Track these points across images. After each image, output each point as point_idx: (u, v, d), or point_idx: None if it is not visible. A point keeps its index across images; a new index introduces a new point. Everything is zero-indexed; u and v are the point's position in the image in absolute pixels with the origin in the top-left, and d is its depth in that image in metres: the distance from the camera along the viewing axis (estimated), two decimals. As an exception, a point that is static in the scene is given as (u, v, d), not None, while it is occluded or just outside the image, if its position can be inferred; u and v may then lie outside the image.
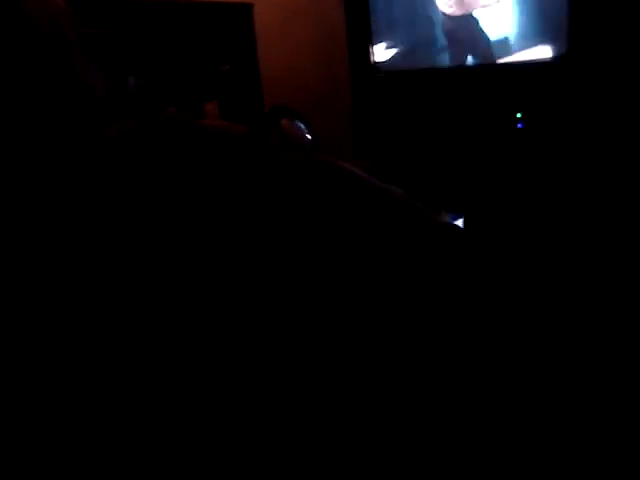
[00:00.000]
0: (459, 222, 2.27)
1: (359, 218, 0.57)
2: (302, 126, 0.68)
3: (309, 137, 0.69)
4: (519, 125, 2.79)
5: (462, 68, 2.84)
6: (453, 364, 0.55)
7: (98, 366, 0.50)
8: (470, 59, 2.84)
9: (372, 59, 2.85)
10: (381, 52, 2.88)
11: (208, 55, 2.54)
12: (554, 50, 2.80)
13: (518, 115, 2.79)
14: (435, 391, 0.54)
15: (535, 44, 2.81)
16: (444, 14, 2.83)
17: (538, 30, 2.80)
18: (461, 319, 0.56)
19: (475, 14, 2.81)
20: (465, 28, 2.83)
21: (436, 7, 2.84)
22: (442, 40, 2.86)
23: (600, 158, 2.61)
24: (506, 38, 2.81)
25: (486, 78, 2.80)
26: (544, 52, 2.81)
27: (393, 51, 2.89)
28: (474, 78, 2.80)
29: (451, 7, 2.82)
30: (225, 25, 2.55)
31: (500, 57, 2.81)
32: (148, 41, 2.37)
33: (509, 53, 2.81)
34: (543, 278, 0.66)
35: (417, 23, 2.86)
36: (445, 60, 2.87)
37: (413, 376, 0.53)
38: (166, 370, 0.50)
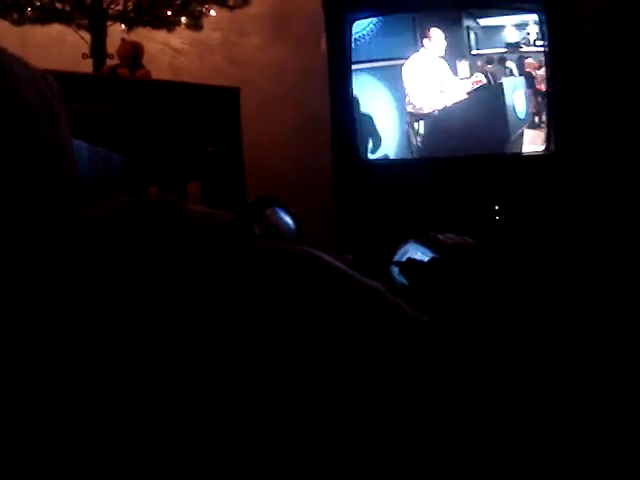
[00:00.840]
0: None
1: (336, 312, 0.57)
2: (286, 216, 0.68)
3: (293, 227, 0.69)
4: (497, 217, 2.84)
5: (445, 160, 2.90)
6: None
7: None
8: (453, 150, 2.90)
9: (355, 149, 2.90)
10: (364, 142, 2.93)
11: (193, 136, 2.57)
12: (533, 145, 2.88)
13: (496, 207, 2.84)
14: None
15: (515, 138, 2.90)
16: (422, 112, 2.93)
17: (519, 125, 2.90)
18: (435, 414, 0.55)
19: (456, 109, 2.90)
20: (448, 122, 2.91)
21: (413, 104, 2.93)
22: (425, 132, 2.92)
23: (581, 254, 2.65)
24: (487, 132, 2.89)
25: (467, 169, 2.85)
26: (523, 146, 2.89)
27: (376, 141, 2.95)
28: (457, 169, 2.85)
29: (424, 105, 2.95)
30: (212, 108, 2.60)
31: (480, 150, 2.88)
32: (135, 119, 2.40)
33: (489, 146, 2.89)
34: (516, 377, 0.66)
35: (398, 116, 2.94)
36: (430, 152, 2.93)
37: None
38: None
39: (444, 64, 2.99)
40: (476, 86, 2.95)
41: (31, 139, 0.60)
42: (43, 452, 0.48)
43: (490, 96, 2.96)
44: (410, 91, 2.96)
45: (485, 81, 2.96)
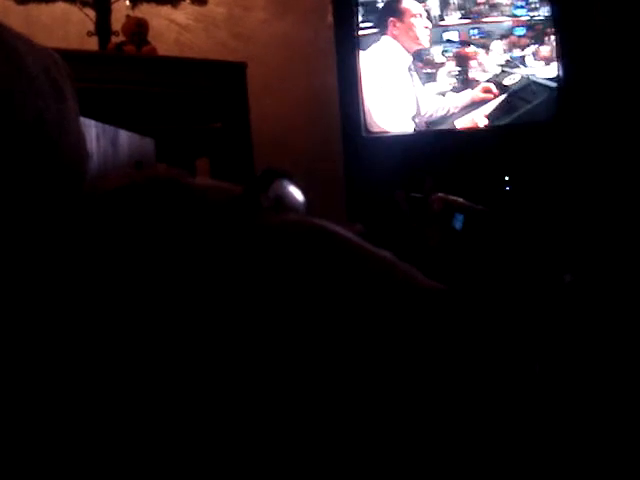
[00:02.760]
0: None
1: (344, 283, 0.56)
2: (295, 188, 0.68)
3: (302, 199, 0.69)
4: (507, 188, 2.83)
5: (452, 131, 2.89)
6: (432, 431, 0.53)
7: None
8: (459, 122, 2.88)
9: (363, 122, 2.89)
10: (372, 115, 2.92)
11: (201, 112, 2.56)
12: (541, 114, 2.85)
13: (506, 178, 2.82)
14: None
15: (524, 108, 2.87)
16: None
17: (526, 95, 2.86)
18: (442, 383, 0.55)
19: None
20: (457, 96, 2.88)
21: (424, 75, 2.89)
22: (432, 105, 2.90)
23: (587, 223, 2.64)
24: (496, 102, 2.86)
25: (476, 141, 2.83)
26: (532, 116, 2.86)
27: (384, 114, 2.93)
28: (465, 141, 2.84)
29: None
30: (219, 83, 2.58)
31: (489, 120, 2.86)
32: (141, 96, 2.39)
33: (498, 117, 2.86)
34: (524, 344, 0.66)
35: (406, 87, 2.91)
36: (436, 123, 2.91)
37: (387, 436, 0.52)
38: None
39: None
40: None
41: (37, 117, 0.60)
42: (42, 451, 0.49)
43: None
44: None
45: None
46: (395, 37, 2.73)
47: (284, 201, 0.64)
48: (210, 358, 0.50)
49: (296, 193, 0.68)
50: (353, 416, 0.51)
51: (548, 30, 2.80)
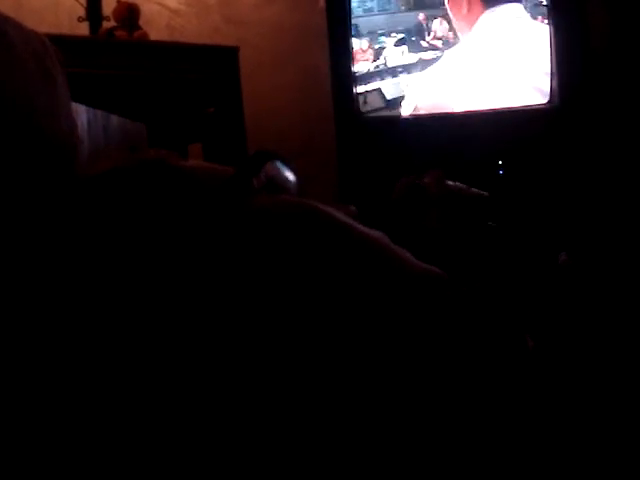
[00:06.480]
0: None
1: (336, 265, 0.56)
2: (287, 170, 0.68)
3: (293, 181, 0.69)
4: (500, 172, 2.83)
5: (446, 115, 2.88)
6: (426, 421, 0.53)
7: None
8: (455, 106, 2.88)
9: (356, 105, 2.89)
10: (364, 98, 2.91)
11: (193, 97, 2.55)
12: (536, 99, 2.85)
13: (499, 162, 2.83)
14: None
15: (518, 93, 2.86)
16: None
17: (521, 80, 2.86)
18: (435, 366, 0.55)
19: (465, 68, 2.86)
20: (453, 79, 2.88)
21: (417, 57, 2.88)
22: (426, 87, 2.90)
23: (580, 206, 2.64)
24: (491, 87, 2.86)
25: (470, 125, 2.83)
26: (526, 100, 2.85)
27: (377, 97, 2.92)
28: (458, 125, 2.83)
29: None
30: (211, 68, 2.57)
31: (484, 104, 2.86)
32: (134, 82, 2.38)
33: (492, 101, 2.86)
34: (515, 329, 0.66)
35: (398, 70, 2.91)
36: (432, 108, 2.91)
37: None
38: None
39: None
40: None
41: (28, 102, 0.60)
42: (42, 451, 0.48)
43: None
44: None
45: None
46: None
47: (276, 182, 0.64)
48: (202, 340, 0.51)
49: (288, 174, 0.68)
50: (346, 396, 0.51)
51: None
